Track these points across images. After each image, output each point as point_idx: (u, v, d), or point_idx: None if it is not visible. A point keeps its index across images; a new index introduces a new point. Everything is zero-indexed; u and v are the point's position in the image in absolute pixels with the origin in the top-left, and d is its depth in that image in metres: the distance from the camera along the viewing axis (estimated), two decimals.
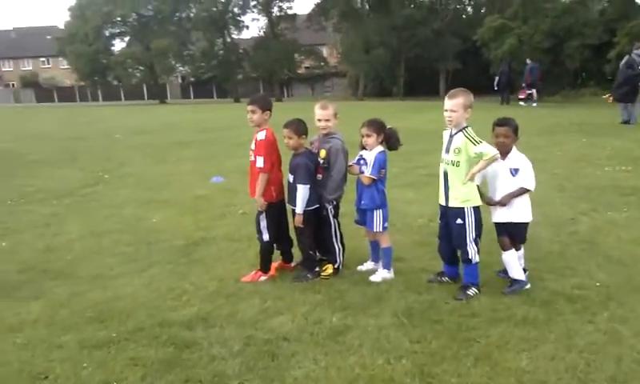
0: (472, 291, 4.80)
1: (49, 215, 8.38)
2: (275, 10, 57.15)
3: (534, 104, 26.47)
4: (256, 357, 3.89)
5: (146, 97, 66.60)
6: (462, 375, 3.61)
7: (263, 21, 58.61)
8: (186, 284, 5.31)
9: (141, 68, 59.28)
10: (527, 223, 4.98)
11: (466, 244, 4.78)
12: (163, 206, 8.61)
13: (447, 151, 4.80)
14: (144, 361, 3.86)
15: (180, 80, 73.56)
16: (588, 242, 6.21)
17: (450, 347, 3.94)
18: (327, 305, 4.71)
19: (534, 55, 30.90)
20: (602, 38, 33.77)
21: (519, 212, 4.88)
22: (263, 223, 5.40)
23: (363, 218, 5.43)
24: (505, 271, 5.03)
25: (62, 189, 10.29)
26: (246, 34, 60.96)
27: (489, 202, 4.94)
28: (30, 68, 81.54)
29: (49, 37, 69.70)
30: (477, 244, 4.82)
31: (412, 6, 48.38)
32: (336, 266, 5.48)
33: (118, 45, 60.64)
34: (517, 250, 4.97)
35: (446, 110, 4.72)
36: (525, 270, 5.06)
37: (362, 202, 5.34)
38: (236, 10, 57.76)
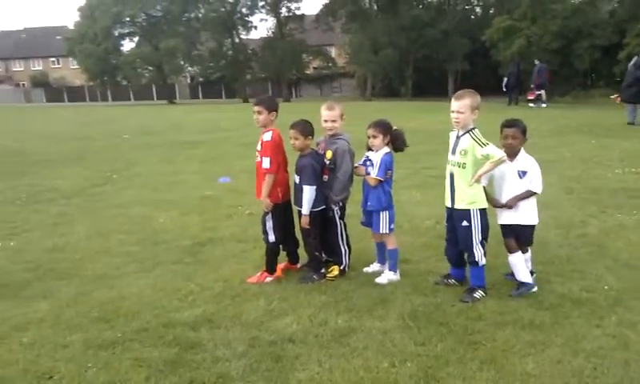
0: (478, 294, 4.77)
1: (57, 215, 8.42)
2: (283, 10, 57.19)
3: (544, 105, 26.31)
4: (260, 358, 3.88)
5: (155, 97, 66.81)
6: (467, 379, 3.58)
7: (271, 21, 58.74)
8: (192, 284, 5.31)
9: (150, 68, 59.50)
10: (534, 226, 4.94)
11: (473, 246, 4.75)
12: (170, 206, 8.62)
13: (453, 153, 4.77)
14: (148, 361, 3.86)
15: (189, 80, 73.74)
16: (597, 244, 6.16)
17: (456, 350, 3.91)
18: (332, 306, 4.69)
19: (542, 56, 30.76)
20: (612, 39, 33.60)
21: (525, 214, 4.85)
22: (269, 224, 5.39)
23: (369, 220, 5.40)
24: (512, 274, 5.00)
25: (71, 189, 10.34)
26: (254, 35, 61.02)
27: (495, 204, 4.91)
28: (40, 68, 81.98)
29: (59, 37, 70.16)
30: (483, 246, 4.79)
31: (420, 6, 48.24)
32: (342, 268, 5.47)
33: (127, 45, 61.04)
34: (524, 252, 4.93)
35: (453, 112, 4.69)
36: (532, 273, 5.02)
37: (368, 204, 5.31)
38: (244, 10, 57.85)
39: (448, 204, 4.88)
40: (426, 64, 47.26)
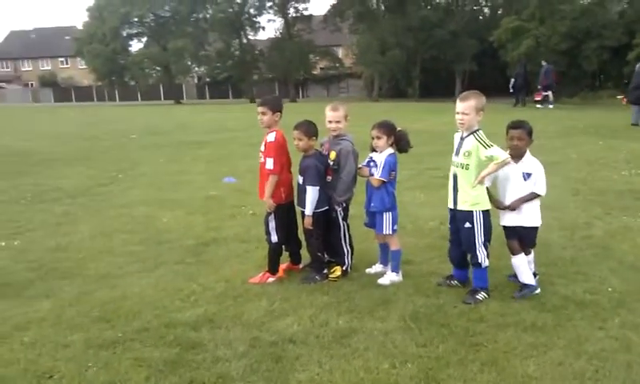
0: (481, 295, 4.75)
1: (61, 214, 8.45)
2: (291, 11, 57.15)
3: (550, 106, 26.24)
4: (261, 359, 3.87)
5: (162, 97, 66.97)
6: (467, 381, 3.56)
7: (279, 22, 58.69)
8: (194, 284, 5.30)
9: (157, 68, 59.62)
10: (537, 227, 4.91)
11: (476, 248, 4.72)
12: (175, 206, 8.63)
13: (457, 154, 4.75)
14: (149, 361, 3.86)
15: (196, 80, 73.88)
16: (601, 246, 6.12)
17: (457, 352, 3.89)
18: (334, 307, 4.68)
19: (551, 57, 30.65)
20: (621, 39, 33.40)
21: (529, 216, 4.82)
22: (272, 224, 5.38)
23: (372, 221, 5.39)
24: (515, 275, 4.97)
25: (76, 188, 10.38)
26: (261, 35, 61.05)
27: (498, 206, 4.88)
28: (49, 68, 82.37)
29: (67, 37, 70.45)
30: (486, 248, 4.77)
31: (428, 7, 48.10)
32: (344, 269, 5.45)
33: (135, 45, 61.16)
34: (527, 254, 4.90)
35: (458, 113, 4.68)
36: (535, 275, 4.99)
37: (372, 205, 5.30)
38: (252, 11, 57.87)
39: (451, 205, 4.86)
40: (434, 65, 47.11)
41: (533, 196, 4.78)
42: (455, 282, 5.08)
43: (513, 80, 29.01)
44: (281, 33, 58.38)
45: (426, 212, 7.56)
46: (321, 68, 62.66)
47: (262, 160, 5.32)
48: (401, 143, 5.27)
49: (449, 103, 4.74)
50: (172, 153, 15.03)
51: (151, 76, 61.89)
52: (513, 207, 4.79)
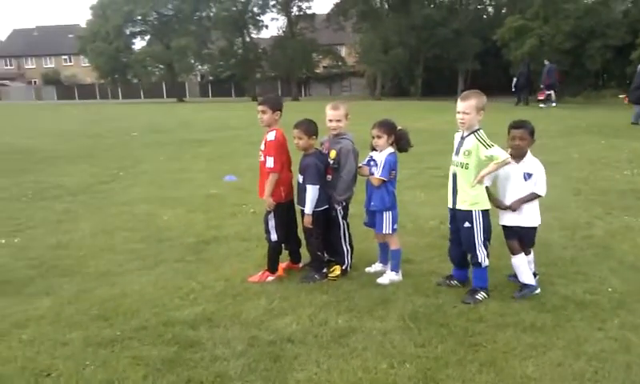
0: (481, 295, 4.73)
1: (62, 212, 8.45)
2: (294, 9, 57.10)
3: (553, 104, 26.21)
4: (259, 358, 3.86)
5: (164, 95, 67.00)
6: (466, 381, 3.55)
7: (282, 20, 58.60)
8: (193, 283, 5.30)
9: (160, 66, 59.58)
10: (536, 227, 4.89)
11: (476, 247, 4.71)
12: (175, 204, 8.63)
13: (457, 153, 4.74)
14: (146, 360, 3.85)
15: (199, 78, 73.89)
16: (602, 246, 6.10)
17: (456, 352, 3.88)
18: (333, 306, 4.67)
19: (554, 56, 30.58)
20: (625, 39, 33.25)
21: (528, 216, 4.80)
22: (271, 222, 5.37)
23: (372, 220, 5.37)
24: (515, 275, 4.95)
25: (77, 185, 10.39)
26: (264, 34, 61.12)
27: (498, 205, 4.86)
28: (52, 66, 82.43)
29: (71, 35, 70.48)
30: (486, 247, 4.75)
31: (432, 6, 48.02)
32: (344, 268, 5.44)
33: (139, 43, 61.17)
34: (526, 254, 4.89)
35: (459, 112, 4.66)
36: (535, 275, 4.98)
37: (372, 204, 5.28)
38: (255, 9, 57.81)
39: (450, 205, 4.85)
40: (437, 63, 47.02)
41: (533, 196, 4.77)
42: (455, 282, 5.07)
43: (515, 79, 28.97)
44: (284, 31, 58.32)
45: (426, 211, 7.54)
46: (324, 66, 62.56)
47: (262, 159, 5.31)
48: (401, 142, 5.25)
49: (450, 102, 4.74)
50: (174, 151, 15.04)
51: (154, 74, 61.86)
52: (513, 208, 4.77)
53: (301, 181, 5.35)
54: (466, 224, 4.70)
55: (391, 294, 4.91)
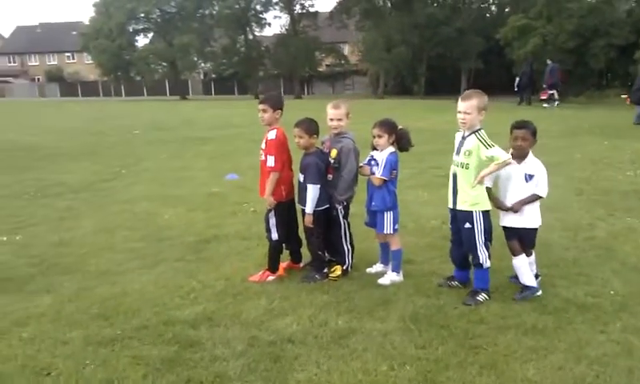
0: (482, 297, 4.71)
1: (64, 209, 8.46)
2: (297, 7, 57.00)
3: (556, 104, 26.18)
4: (259, 358, 3.85)
5: (167, 92, 67.00)
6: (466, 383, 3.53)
7: (285, 18, 58.56)
8: (194, 282, 5.29)
9: (163, 64, 59.61)
10: (537, 228, 4.87)
11: (477, 248, 4.69)
12: (177, 203, 8.63)
13: (458, 153, 4.72)
14: (146, 359, 3.85)
15: (201, 76, 73.87)
16: (604, 248, 6.07)
17: (456, 354, 3.86)
18: (334, 307, 4.65)
19: (557, 55, 30.51)
20: (629, 38, 33.21)
21: (529, 217, 4.78)
22: (272, 221, 5.36)
23: (373, 220, 5.36)
24: (516, 277, 4.93)
25: (79, 183, 10.40)
26: (267, 32, 61.01)
27: (500, 207, 4.84)
28: (55, 63, 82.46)
29: (74, 32, 70.48)
30: (488, 248, 4.73)
31: (435, 4, 47.94)
32: (345, 268, 5.43)
33: (142, 41, 61.17)
34: (528, 255, 4.86)
35: (460, 112, 4.64)
36: (537, 276, 4.96)
37: (373, 204, 5.27)
38: (258, 7, 57.75)
39: (450, 205, 4.84)
40: (440, 62, 46.97)
41: (534, 197, 4.75)
42: (456, 283, 5.05)
43: (518, 79, 28.93)
44: (287, 29, 58.27)
45: (428, 211, 7.53)
46: (326, 65, 62.52)
47: (263, 157, 5.31)
48: (402, 142, 5.23)
49: (453, 101, 4.74)
50: (176, 148, 15.04)
51: (157, 71, 61.90)
52: (515, 209, 4.75)
53: (302, 180, 5.33)
54: (467, 225, 4.68)
55: (392, 294, 4.89)
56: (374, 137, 5.22)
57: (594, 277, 5.21)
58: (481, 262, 4.72)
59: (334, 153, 5.31)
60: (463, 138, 4.72)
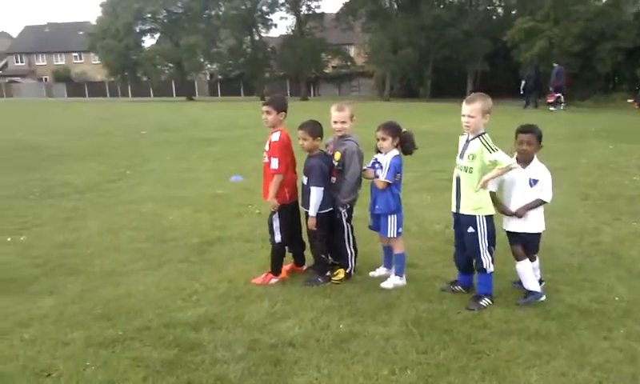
0: (485, 302, 4.69)
1: (70, 210, 8.47)
2: (303, 8, 57.05)
3: (562, 106, 26.13)
4: (259, 362, 3.84)
5: (174, 93, 67.18)
6: None
7: (291, 19, 58.62)
8: (197, 284, 5.29)
9: (170, 65, 59.76)
10: (540, 233, 4.85)
11: (480, 253, 4.67)
12: (181, 204, 8.63)
13: (461, 157, 4.70)
14: (147, 361, 3.85)
15: (208, 77, 74.02)
16: (610, 253, 6.04)
17: (458, 359, 3.84)
18: (336, 310, 4.64)
19: (564, 58, 30.42)
20: (637, 41, 33.03)
21: (533, 222, 4.76)
22: (276, 223, 5.35)
23: (377, 224, 5.34)
24: (520, 282, 4.90)
25: (85, 183, 10.42)
26: (273, 33, 61.08)
27: (503, 211, 4.82)
28: (63, 63, 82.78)
29: (81, 32, 70.70)
30: (491, 253, 4.71)
31: (441, 6, 47.84)
32: (348, 271, 5.41)
33: (148, 41, 61.40)
34: (531, 260, 4.84)
35: (464, 115, 4.62)
36: (541, 282, 4.93)
37: (377, 207, 5.25)
38: (265, 8, 57.85)
39: (454, 209, 4.81)
40: (446, 64, 46.80)
41: (538, 202, 4.72)
42: (459, 288, 5.02)
43: (523, 82, 28.87)
44: (293, 30, 58.28)
45: (432, 214, 7.50)
46: (333, 66, 62.49)
47: (266, 160, 5.30)
48: (406, 145, 5.21)
49: (458, 104, 4.72)
50: (182, 150, 15.07)
51: (163, 72, 62.00)
52: (519, 215, 4.73)
53: (305, 182, 5.32)
54: (470, 229, 4.66)
55: (395, 298, 4.87)
56: (378, 140, 5.20)
57: (598, 282, 5.18)
58: (484, 266, 4.70)
59: (337, 155, 5.30)
60: (467, 141, 4.70)
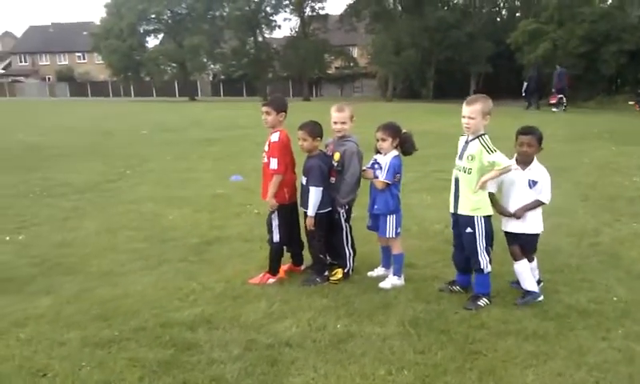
0: (483, 302, 4.67)
1: (69, 209, 8.47)
2: (307, 10, 57.07)
3: (564, 107, 26.12)
4: (256, 362, 3.83)
5: (177, 93, 67.23)
6: None
7: (295, 20, 58.66)
8: (194, 284, 5.27)
9: (173, 65, 59.87)
10: (538, 234, 4.83)
11: (478, 253, 4.65)
12: (181, 204, 8.62)
13: (461, 157, 4.69)
14: (143, 361, 3.83)
15: (211, 78, 74.06)
16: (609, 254, 6.01)
17: (455, 359, 3.83)
18: (333, 311, 4.62)
19: (568, 60, 30.38)
20: None
21: (531, 223, 4.74)
22: (275, 222, 5.34)
23: (376, 224, 5.32)
24: (518, 282, 4.88)
25: (85, 183, 10.41)
26: (277, 34, 61.13)
27: (502, 212, 4.80)
28: (66, 62, 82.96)
29: (85, 32, 70.84)
30: (488, 253, 4.70)
31: (445, 8, 47.81)
32: (346, 271, 5.40)
33: (152, 42, 61.48)
34: (529, 260, 4.82)
35: (464, 117, 4.62)
36: (539, 282, 4.92)
37: (375, 207, 5.23)
38: (269, 9, 57.89)
39: (452, 210, 4.80)
40: (449, 66, 46.71)
41: (537, 204, 4.70)
42: (457, 288, 5.01)
43: (525, 83, 28.86)
44: (296, 31, 58.34)
45: (431, 214, 7.48)
46: (335, 67, 62.55)
47: (266, 160, 5.29)
48: (405, 146, 5.20)
49: (460, 105, 4.71)
50: (182, 150, 15.06)
51: (166, 72, 62.13)
52: (518, 215, 4.71)
53: (304, 183, 5.31)
54: (468, 229, 4.65)
55: (392, 298, 4.86)
56: (378, 140, 5.19)
57: (597, 283, 5.16)
58: (482, 267, 4.69)
59: (337, 156, 5.29)
60: (466, 142, 4.69)
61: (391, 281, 5.19)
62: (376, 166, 5.22)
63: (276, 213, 5.31)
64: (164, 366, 3.78)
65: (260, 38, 58.56)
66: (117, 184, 10.49)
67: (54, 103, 48.42)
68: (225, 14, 57.52)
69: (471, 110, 4.56)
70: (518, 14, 46.49)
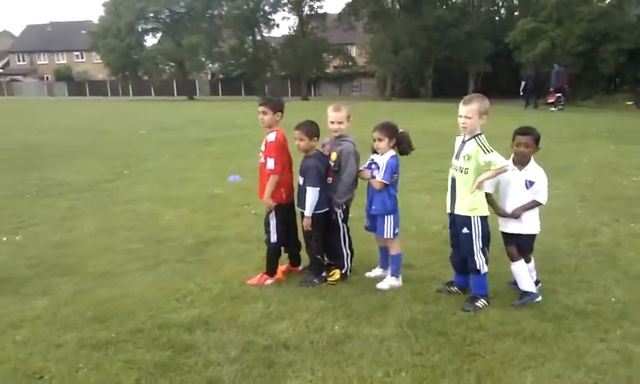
0: (480, 303, 4.66)
1: (66, 209, 8.44)
2: (306, 8, 57.06)
3: (560, 106, 26.15)
4: (253, 364, 3.81)
5: (175, 93, 67.16)
6: None
7: (293, 19, 58.62)
8: (192, 284, 5.25)
9: (171, 64, 59.83)
10: (535, 234, 4.81)
11: (474, 254, 4.64)
12: (178, 204, 8.60)
13: (457, 157, 4.68)
14: (140, 363, 3.81)
15: (209, 77, 73.99)
16: (607, 254, 6.00)
17: (453, 361, 3.81)
18: (331, 312, 4.60)
19: (566, 59, 30.36)
20: (639, 43, 32.94)
21: (529, 224, 4.73)
22: (273, 222, 5.33)
23: (373, 224, 5.31)
24: (515, 283, 4.87)
25: (82, 183, 10.38)
26: (275, 33, 61.12)
27: (499, 213, 4.79)
28: (64, 62, 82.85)
29: (83, 31, 70.77)
30: (485, 254, 4.68)
31: (444, 7, 47.79)
32: (343, 272, 5.38)
33: (150, 41, 61.44)
34: (527, 261, 4.81)
35: (461, 116, 4.60)
36: (537, 282, 4.90)
37: (373, 208, 5.22)
38: (267, 8, 57.90)
39: (449, 210, 4.79)
40: (447, 65, 46.72)
41: (534, 204, 4.69)
42: (455, 289, 4.99)
43: (523, 83, 28.87)
44: (295, 30, 58.29)
45: (430, 215, 7.46)
46: (334, 66, 62.53)
47: (263, 160, 5.28)
48: (402, 145, 5.18)
49: (458, 104, 4.70)
50: (180, 149, 15.02)
51: (165, 71, 62.09)
52: (515, 216, 4.70)
53: (301, 183, 5.29)
54: (465, 230, 4.64)
55: (390, 299, 4.84)
56: (375, 140, 5.17)
57: (595, 284, 5.14)
58: (478, 267, 4.67)
59: (334, 156, 5.27)
60: (463, 142, 4.68)
61: (389, 281, 5.17)
62: (373, 166, 5.20)
63: (273, 213, 5.29)
64: (161, 368, 3.76)
65: (258, 37, 58.57)
66: (114, 184, 10.46)
67: (52, 102, 48.35)
68: (223, 12, 57.54)
69: (468, 109, 4.54)
70: (516, 13, 46.48)
